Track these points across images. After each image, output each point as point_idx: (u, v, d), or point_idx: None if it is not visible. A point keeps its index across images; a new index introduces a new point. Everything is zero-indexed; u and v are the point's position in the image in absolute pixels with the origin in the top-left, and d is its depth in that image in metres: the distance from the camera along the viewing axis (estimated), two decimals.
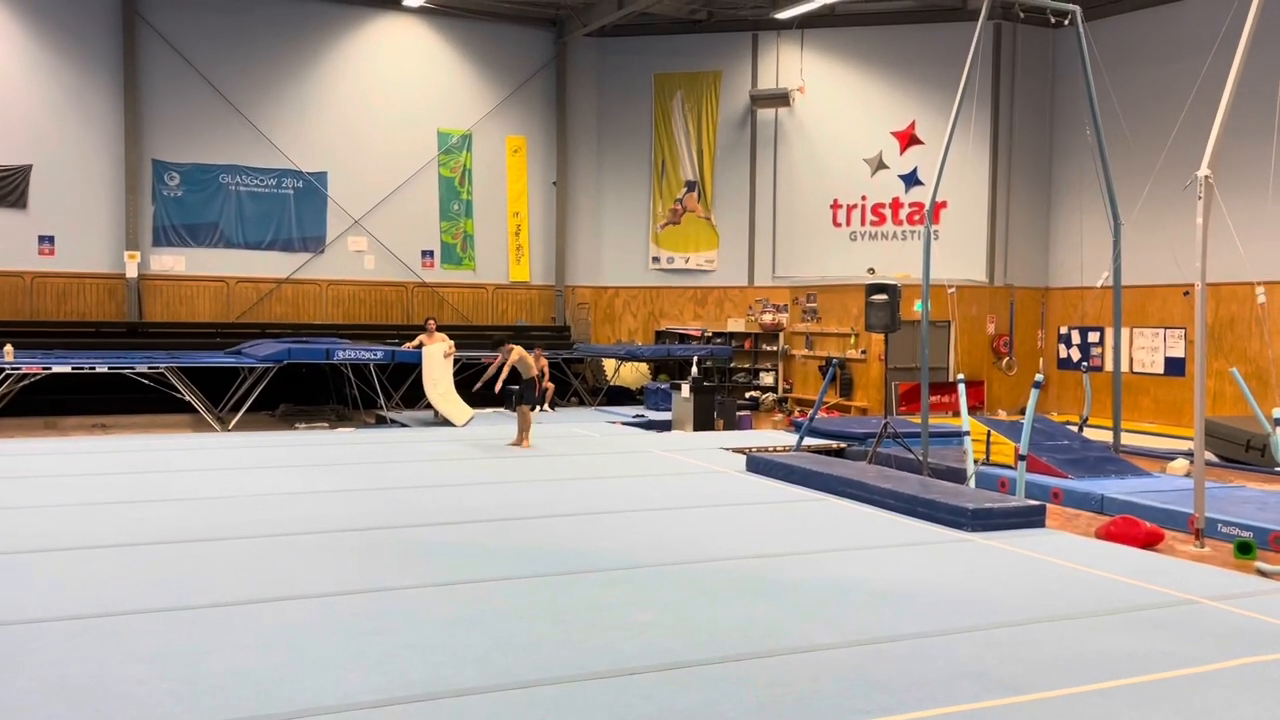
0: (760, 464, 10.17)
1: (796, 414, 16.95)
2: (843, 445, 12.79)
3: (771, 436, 13.52)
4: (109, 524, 7.28)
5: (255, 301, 18.38)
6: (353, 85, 18.99)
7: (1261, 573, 7.02)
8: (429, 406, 14.91)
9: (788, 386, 19.96)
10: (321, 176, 18.77)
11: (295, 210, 18.64)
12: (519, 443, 11.76)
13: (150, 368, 13.99)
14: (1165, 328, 17.50)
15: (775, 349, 20.12)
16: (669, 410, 15.49)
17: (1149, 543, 7.88)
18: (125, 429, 14.25)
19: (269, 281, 18.47)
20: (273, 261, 18.53)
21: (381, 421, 15.41)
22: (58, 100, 17.17)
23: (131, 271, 17.48)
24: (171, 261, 17.95)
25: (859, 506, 8.42)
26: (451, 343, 15.42)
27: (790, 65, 19.84)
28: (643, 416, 15.87)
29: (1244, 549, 7.65)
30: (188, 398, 14.31)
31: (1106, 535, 8.01)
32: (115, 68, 17.43)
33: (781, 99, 19.69)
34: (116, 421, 14.97)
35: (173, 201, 17.93)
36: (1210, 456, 12.26)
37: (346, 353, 14.67)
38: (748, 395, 19.53)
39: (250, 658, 4.53)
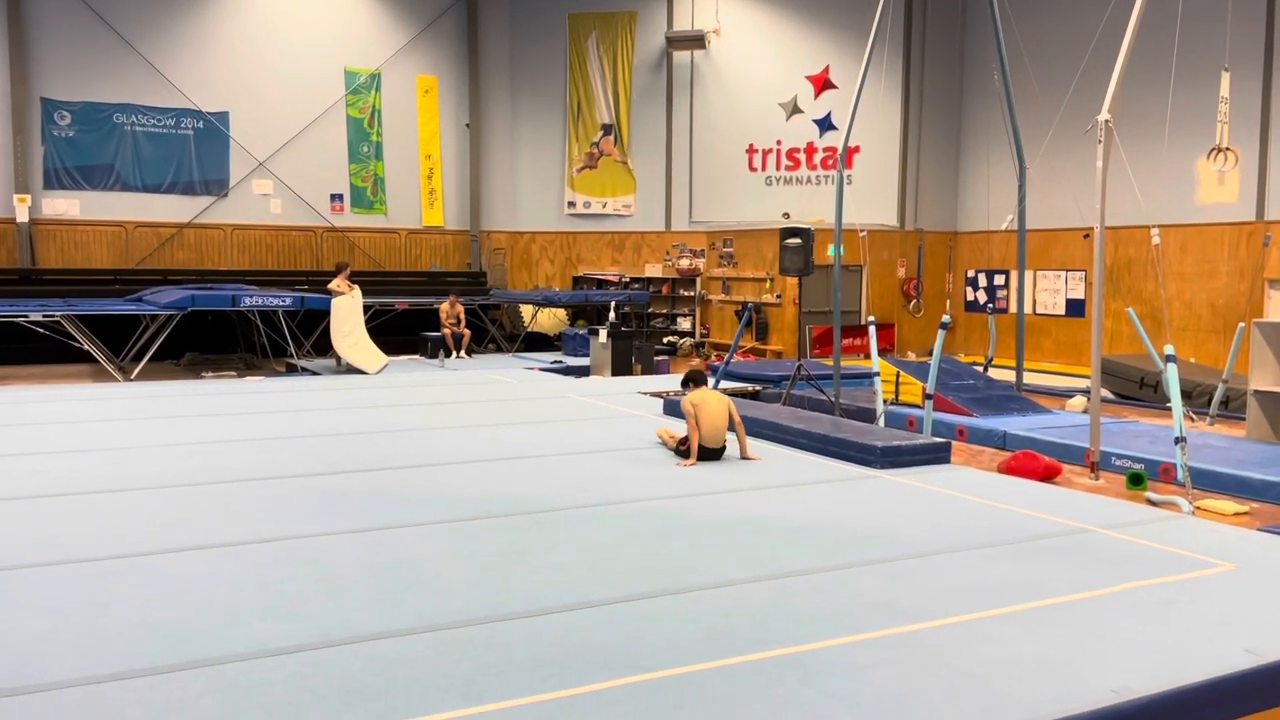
0: (677, 407, 10.24)
1: (713, 358, 17.12)
2: (758, 388, 12.97)
3: None
4: (3, 476, 7.02)
5: (156, 247, 17.73)
6: (254, 21, 18.25)
7: (1151, 502, 7.38)
8: (339, 356, 14.64)
9: (705, 331, 20.11)
10: (223, 116, 18.08)
11: (196, 151, 17.95)
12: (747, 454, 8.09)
13: (45, 316, 13.41)
14: (1067, 270, 18.06)
15: (692, 294, 20.22)
16: (587, 356, 15.49)
17: (1047, 476, 8.20)
18: (20, 379, 13.70)
19: (170, 226, 17.81)
20: (173, 205, 17.86)
21: (292, 370, 15.09)
22: None
23: (22, 216, 16.68)
24: (65, 205, 17.17)
25: (773, 447, 8.57)
26: (356, 289, 15.19)
27: (706, 7, 19.68)
28: (560, 362, 15.85)
29: (1136, 480, 8.01)
30: (87, 347, 13.79)
31: (1008, 470, 8.30)
32: None
33: (697, 41, 19.56)
34: (11, 372, 14.37)
35: (64, 142, 17.10)
36: (1106, 393, 12.78)
37: (253, 299, 14.26)
38: (665, 340, 19.63)
39: (157, 609, 4.44)
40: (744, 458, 7.94)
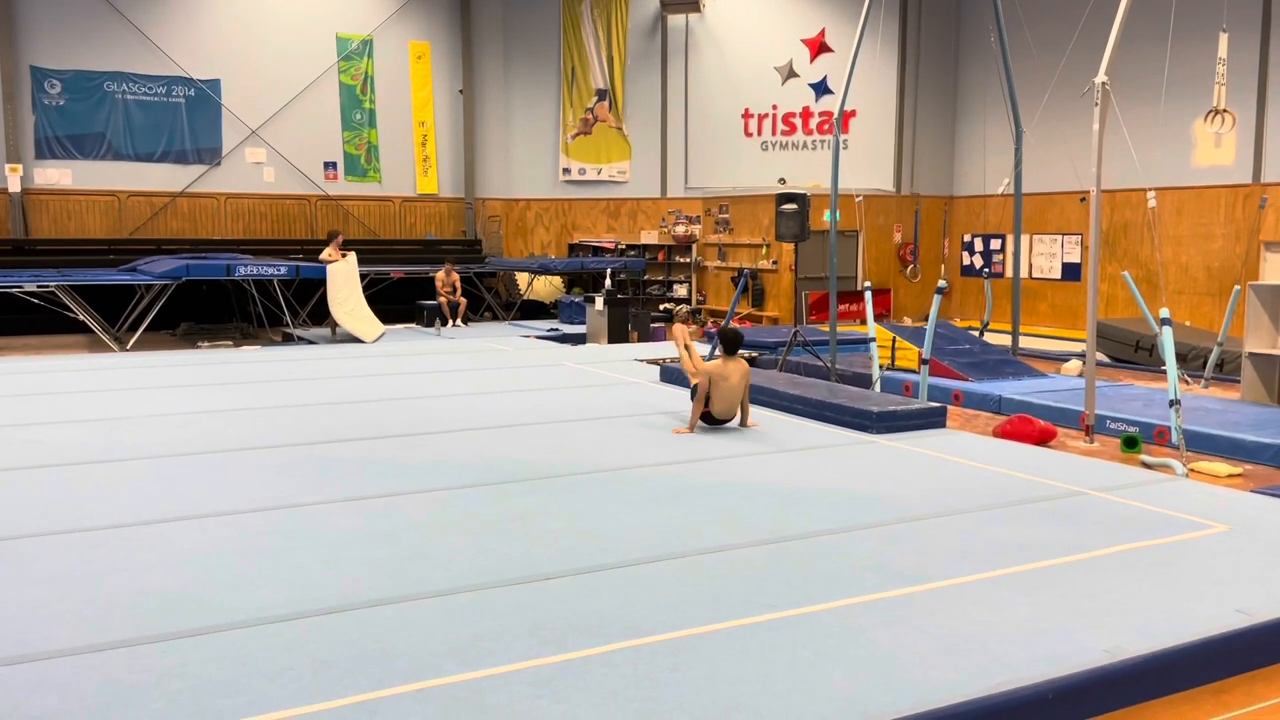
0: (674, 374, 10.27)
1: (710, 325, 17.11)
2: (754, 354, 12.95)
3: None
4: (3, 447, 7.03)
5: (149, 216, 17.63)
6: None
7: (1146, 465, 7.41)
8: (335, 325, 14.62)
9: (701, 297, 20.08)
10: (214, 84, 17.91)
11: (187, 120, 17.79)
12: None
13: (39, 286, 13.38)
14: (1063, 234, 18.02)
15: (688, 261, 20.17)
16: (583, 323, 15.48)
17: (1042, 440, 8.22)
18: (15, 350, 13.67)
19: (163, 195, 17.70)
20: (166, 174, 17.73)
21: (288, 339, 15.08)
22: None
23: (14, 185, 16.56)
24: (57, 175, 17.04)
25: (770, 413, 8.59)
26: (349, 254, 15.17)
27: None
28: (557, 330, 15.84)
29: (1130, 443, 8.03)
30: (82, 317, 13.76)
31: (1003, 434, 8.32)
32: None
33: (692, 4, 19.36)
34: (6, 343, 14.34)
35: (55, 111, 16.94)
36: (1101, 357, 12.80)
37: (248, 269, 14.21)
38: (661, 307, 19.60)
39: (157, 577, 4.46)
40: (743, 425, 7.96)
